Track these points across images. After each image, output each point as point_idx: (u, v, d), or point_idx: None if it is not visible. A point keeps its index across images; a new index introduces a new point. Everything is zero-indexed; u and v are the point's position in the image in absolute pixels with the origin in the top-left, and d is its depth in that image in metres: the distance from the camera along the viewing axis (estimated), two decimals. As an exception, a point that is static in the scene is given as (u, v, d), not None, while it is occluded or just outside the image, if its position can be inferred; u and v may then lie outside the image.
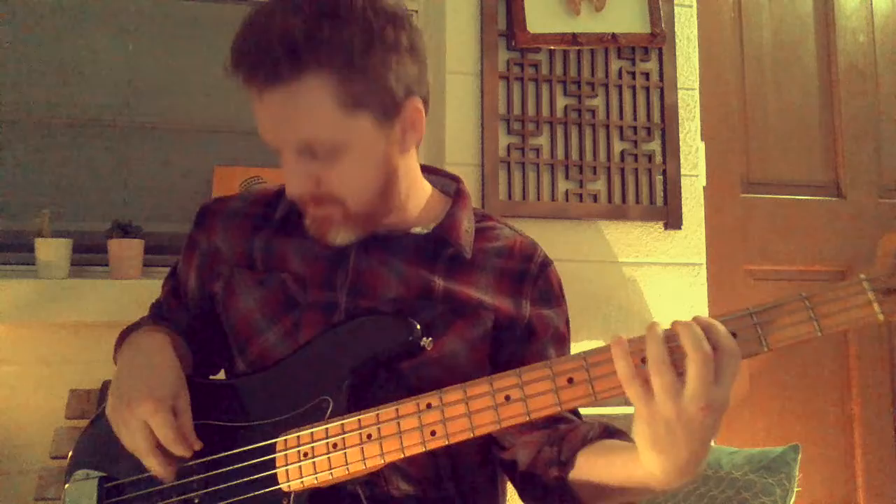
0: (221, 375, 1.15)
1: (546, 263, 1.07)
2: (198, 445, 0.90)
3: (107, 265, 1.65)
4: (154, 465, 0.89)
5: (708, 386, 0.69)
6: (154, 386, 0.91)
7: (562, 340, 1.06)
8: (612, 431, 0.93)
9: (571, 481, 0.91)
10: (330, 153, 0.91)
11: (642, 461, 0.76)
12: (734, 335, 0.73)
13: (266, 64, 0.86)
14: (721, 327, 0.72)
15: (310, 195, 0.94)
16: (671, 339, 0.72)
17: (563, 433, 0.95)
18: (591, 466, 0.89)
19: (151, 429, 0.87)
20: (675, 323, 0.73)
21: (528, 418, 0.78)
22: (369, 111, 0.91)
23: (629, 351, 0.73)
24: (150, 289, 1.56)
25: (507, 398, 0.79)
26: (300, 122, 0.89)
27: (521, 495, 1.03)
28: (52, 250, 1.59)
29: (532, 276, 1.04)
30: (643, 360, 0.73)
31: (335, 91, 0.88)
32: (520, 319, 1.02)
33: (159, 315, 1.17)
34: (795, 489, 1.46)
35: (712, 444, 1.94)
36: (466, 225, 1.05)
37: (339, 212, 0.95)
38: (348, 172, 0.92)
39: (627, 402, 0.76)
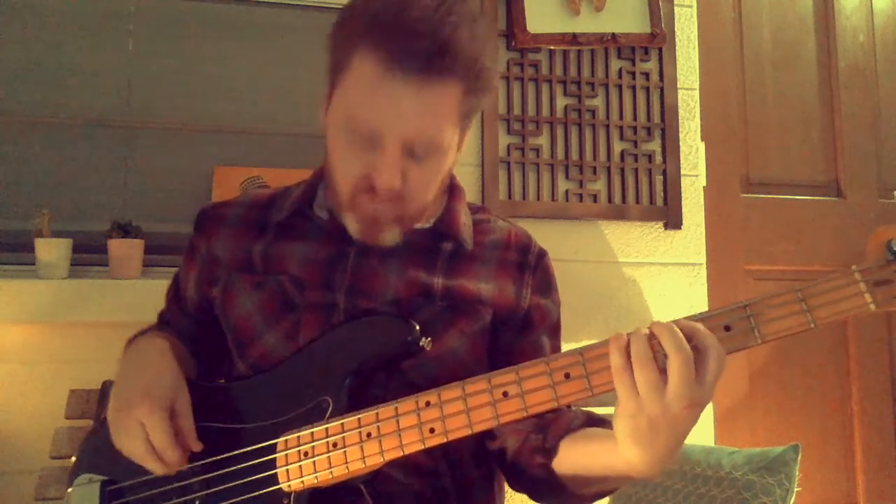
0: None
1: (542, 254, 1.09)
2: (197, 447, 0.90)
3: (107, 265, 1.64)
4: (153, 468, 0.89)
5: (690, 385, 0.70)
6: (150, 388, 0.91)
7: (556, 331, 1.09)
8: (596, 420, 0.95)
9: (556, 468, 0.92)
10: (426, 155, 0.90)
11: (622, 452, 0.77)
12: (728, 328, 0.75)
13: (420, 54, 0.83)
14: (703, 330, 0.73)
15: (391, 191, 0.91)
16: (654, 339, 0.73)
17: (549, 421, 0.97)
18: (573, 454, 0.90)
19: (147, 431, 0.88)
20: (654, 325, 0.73)
21: (525, 414, 0.79)
22: (468, 124, 0.92)
23: (625, 344, 0.74)
24: (150, 289, 1.57)
25: (505, 394, 0.79)
26: (427, 121, 0.87)
27: (510, 483, 1.05)
28: (52, 250, 1.59)
29: (531, 266, 1.07)
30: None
31: (461, 102, 0.89)
32: (519, 310, 1.04)
33: (164, 322, 1.18)
34: (795, 489, 1.46)
35: (712, 444, 1.94)
36: (464, 218, 1.07)
37: (396, 211, 0.94)
38: (430, 174, 0.93)
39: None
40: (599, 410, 1.52)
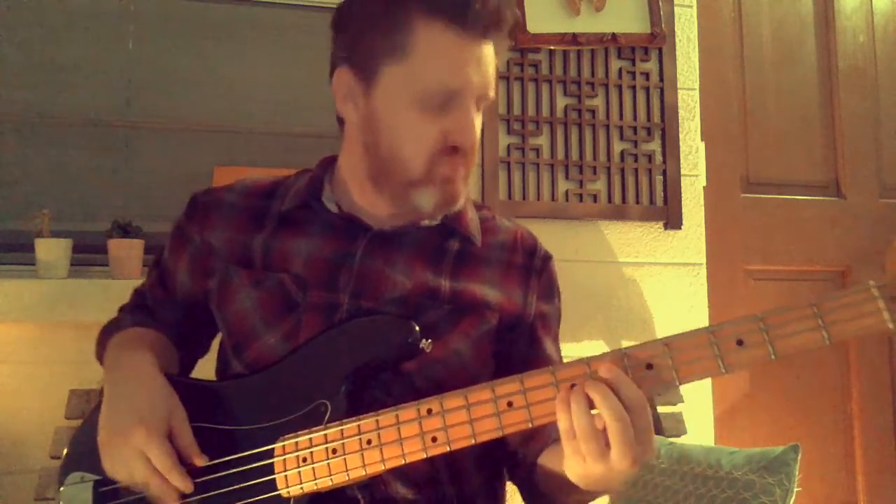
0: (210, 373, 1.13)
1: (547, 258, 1.09)
2: (202, 462, 0.88)
3: (107, 265, 1.64)
4: (156, 492, 0.87)
5: (631, 447, 0.72)
6: (144, 410, 0.88)
7: (556, 338, 1.10)
8: None
9: (537, 483, 0.96)
10: (483, 108, 0.99)
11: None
12: (740, 342, 0.72)
13: (480, 17, 0.92)
14: (626, 383, 0.74)
15: (472, 146, 0.97)
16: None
17: (533, 432, 0.97)
18: (548, 466, 0.93)
19: (148, 457, 0.85)
20: (588, 385, 0.74)
21: (530, 425, 0.78)
22: None
23: (572, 399, 0.75)
24: (150, 289, 1.56)
25: (510, 405, 0.78)
26: (490, 73, 0.97)
27: (524, 497, 1.06)
28: (52, 250, 1.59)
29: (537, 270, 1.06)
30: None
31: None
32: (526, 316, 1.04)
33: (142, 306, 1.14)
34: (795, 489, 1.46)
35: (712, 444, 1.94)
36: (471, 214, 1.07)
37: (467, 168, 0.99)
38: (480, 128, 1.00)
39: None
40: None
